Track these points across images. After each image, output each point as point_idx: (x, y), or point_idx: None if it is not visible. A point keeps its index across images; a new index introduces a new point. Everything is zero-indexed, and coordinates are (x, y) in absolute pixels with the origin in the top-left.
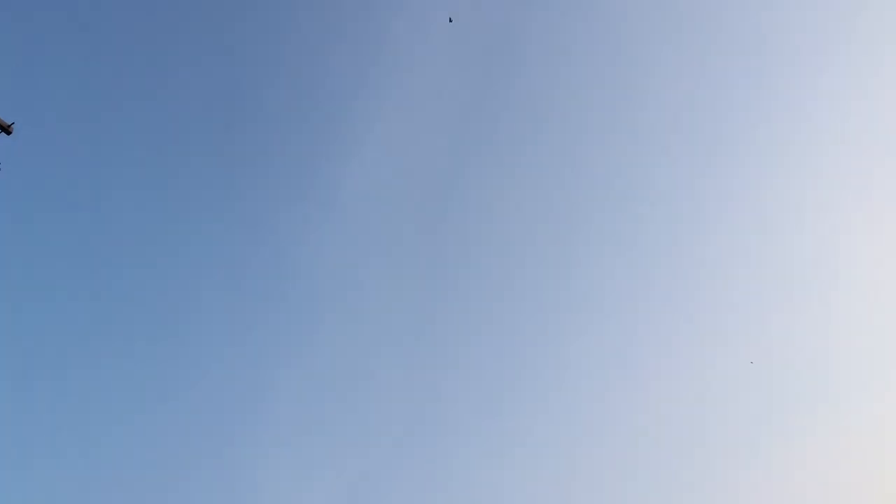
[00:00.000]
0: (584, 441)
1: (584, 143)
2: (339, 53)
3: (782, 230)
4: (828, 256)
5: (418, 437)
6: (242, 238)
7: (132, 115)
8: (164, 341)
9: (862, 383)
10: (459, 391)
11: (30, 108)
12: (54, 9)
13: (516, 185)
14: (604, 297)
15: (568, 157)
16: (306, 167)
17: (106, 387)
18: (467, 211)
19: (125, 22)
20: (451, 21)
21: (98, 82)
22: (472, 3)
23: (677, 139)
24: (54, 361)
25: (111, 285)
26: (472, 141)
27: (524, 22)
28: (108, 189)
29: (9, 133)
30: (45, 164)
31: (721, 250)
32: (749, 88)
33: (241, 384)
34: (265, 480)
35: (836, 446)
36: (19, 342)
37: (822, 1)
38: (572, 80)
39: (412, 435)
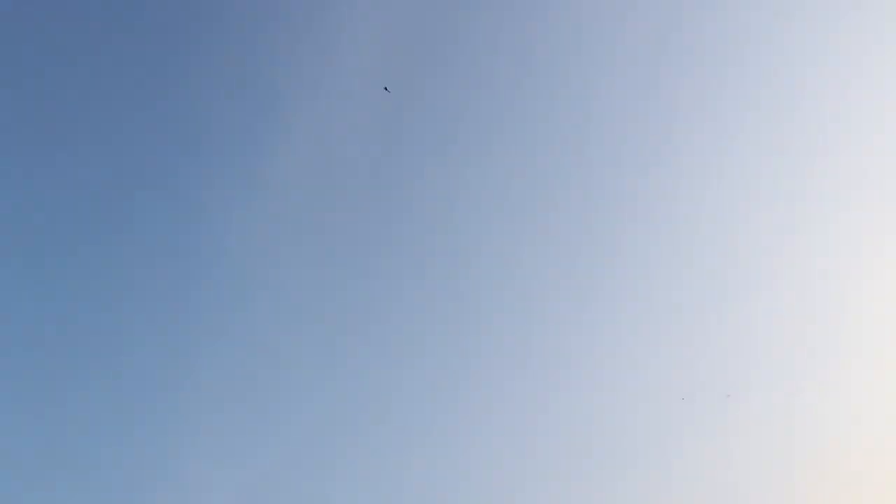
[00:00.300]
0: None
1: (513, 139)
2: (273, 38)
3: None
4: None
5: (339, 426)
6: (166, 214)
7: (55, 84)
8: (75, 321)
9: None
10: (382, 380)
11: None
12: None
13: (446, 178)
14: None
15: (495, 157)
16: (236, 147)
17: (14, 371)
18: (394, 198)
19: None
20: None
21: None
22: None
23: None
24: None
25: (30, 265)
26: (402, 131)
27: (459, 20)
28: (28, 166)
29: None
30: None
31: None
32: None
33: (158, 364)
34: (180, 466)
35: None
36: None
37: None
38: (500, 80)
39: (333, 423)
